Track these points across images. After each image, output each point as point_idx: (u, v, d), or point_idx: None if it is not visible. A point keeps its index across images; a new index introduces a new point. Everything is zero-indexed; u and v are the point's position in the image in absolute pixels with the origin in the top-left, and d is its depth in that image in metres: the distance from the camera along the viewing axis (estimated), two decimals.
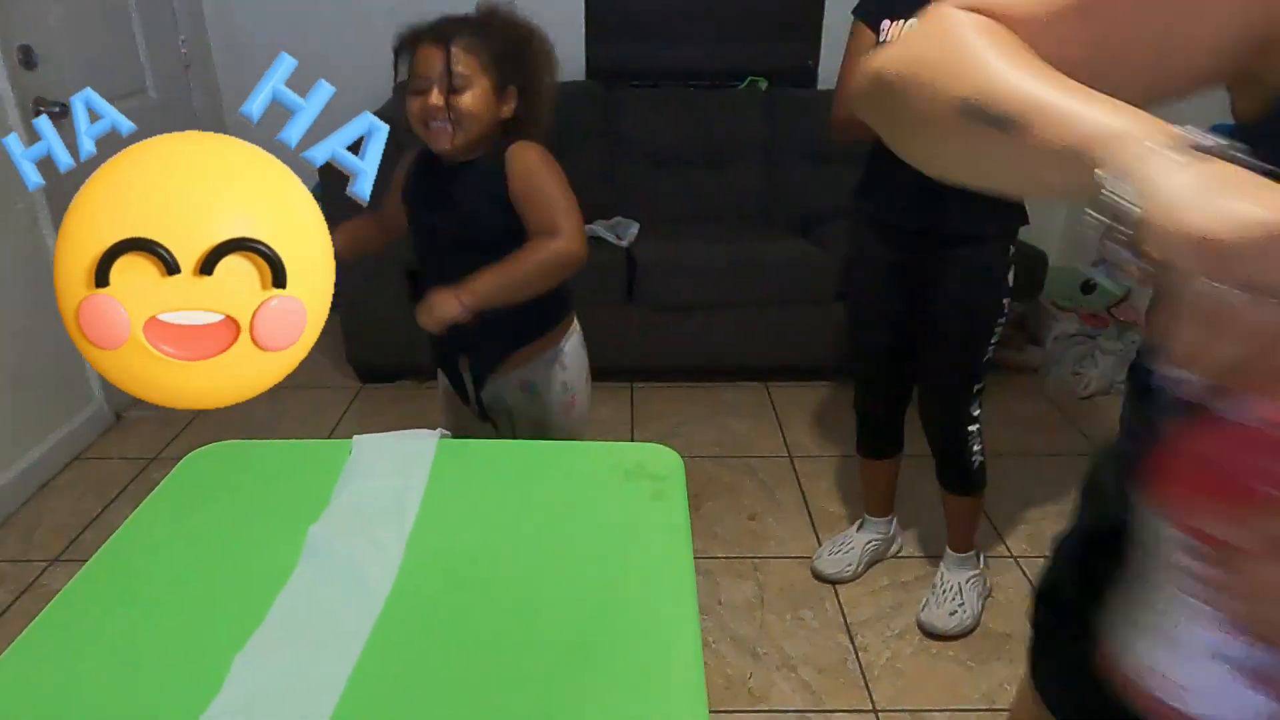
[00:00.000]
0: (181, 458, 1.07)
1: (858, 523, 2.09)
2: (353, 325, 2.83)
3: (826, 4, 3.27)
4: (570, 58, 3.33)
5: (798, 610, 1.92)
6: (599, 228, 2.96)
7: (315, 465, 1.04)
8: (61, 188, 2.14)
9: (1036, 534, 2.19)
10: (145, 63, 2.88)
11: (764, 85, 3.32)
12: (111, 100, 2.20)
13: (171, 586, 0.84)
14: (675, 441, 2.62)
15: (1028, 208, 1.79)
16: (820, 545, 2.10)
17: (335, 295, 0.56)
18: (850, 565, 2.01)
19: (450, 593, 0.82)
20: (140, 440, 2.57)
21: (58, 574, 1.99)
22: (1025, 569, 2.06)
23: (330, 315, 0.57)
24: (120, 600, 0.82)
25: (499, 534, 0.90)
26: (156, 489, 1.00)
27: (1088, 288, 3.14)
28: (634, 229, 2.98)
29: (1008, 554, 2.11)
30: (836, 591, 1.98)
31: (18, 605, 1.89)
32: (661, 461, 1.04)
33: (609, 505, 0.96)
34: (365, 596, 0.80)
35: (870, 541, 2.05)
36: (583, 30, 3.31)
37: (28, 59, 2.29)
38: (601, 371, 2.92)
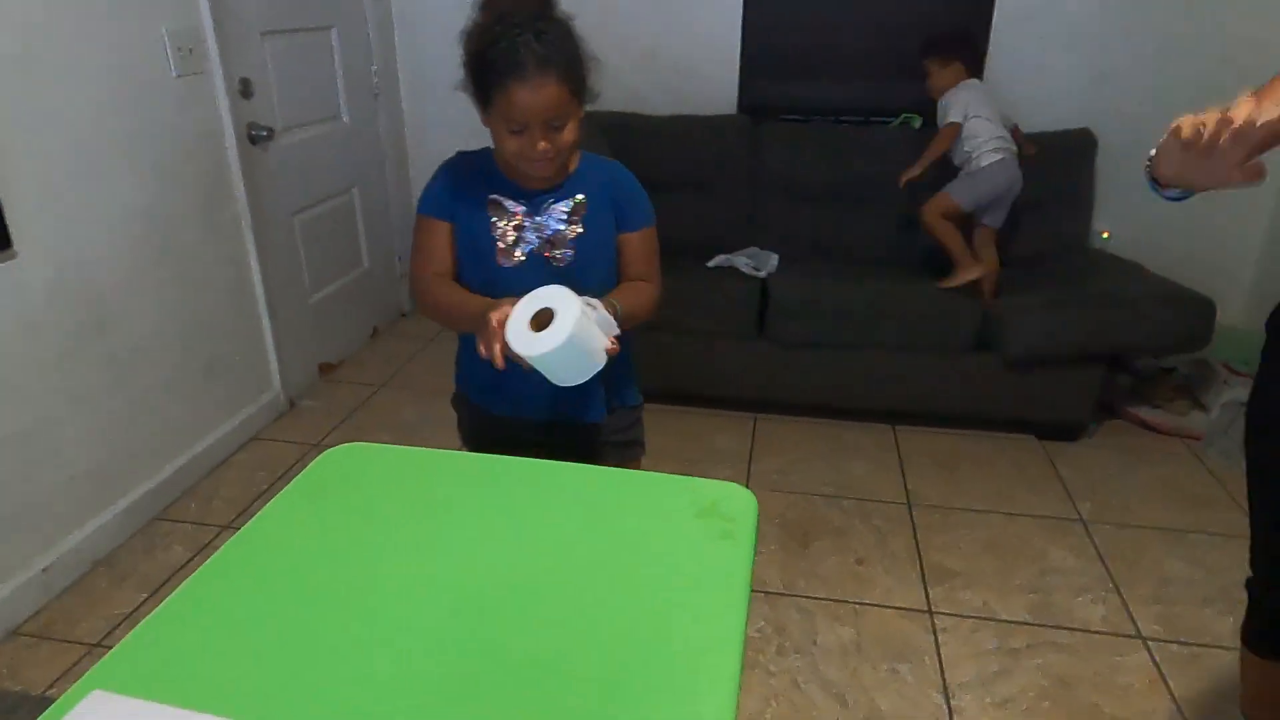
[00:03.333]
0: (341, 444, 1.22)
1: None
2: None
3: (992, 43, 3.19)
4: (723, 92, 3.42)
5: (894, 663, 1.89)
6: (736, 259, 3.02)
7: (435, 473, 1.16)
8: (261, 206, 2.50)
9: (1170, 616, 2.03)
10: (341, 91, 3.23)
11: (917, 124, 3.27)
12: (309, 124, 2.59)
13: (289, 575, 0.97)
14: (790, 478, 2.66)
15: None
16: (929, 599, 2.05)
17: None
18: None
19: (504, 605, 0.90)
20: (307, 427, 2.88)
21: (228, 540, 2.27)
22: (1154, 653, 1.91)
23: None
24: (240, 584, 0.96)
25: (562, 553, 0.98)
26: (291, 482, 1.15)
27: None
28: (774, 260, 3.01)
29: (1135, 634, 1.97)
30: (939, 649, 1.93)
31: (193, 563, 2.18)
32: (736, 502, 1.08)
33: (675, 539, 1.01)
34: (426, 599, 0.91)
35: None
36: (737, 65, 3.39)
37: (246, 90, 2.64)
38: (724, 401, 3.00)
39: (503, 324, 1.14)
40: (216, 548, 0.97)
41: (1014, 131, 2.88)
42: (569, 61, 1.22)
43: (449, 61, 4.16)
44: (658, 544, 1.00)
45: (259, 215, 2.73)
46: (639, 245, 1.43)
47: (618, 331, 1.21)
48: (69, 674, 1.83)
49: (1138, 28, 3.08)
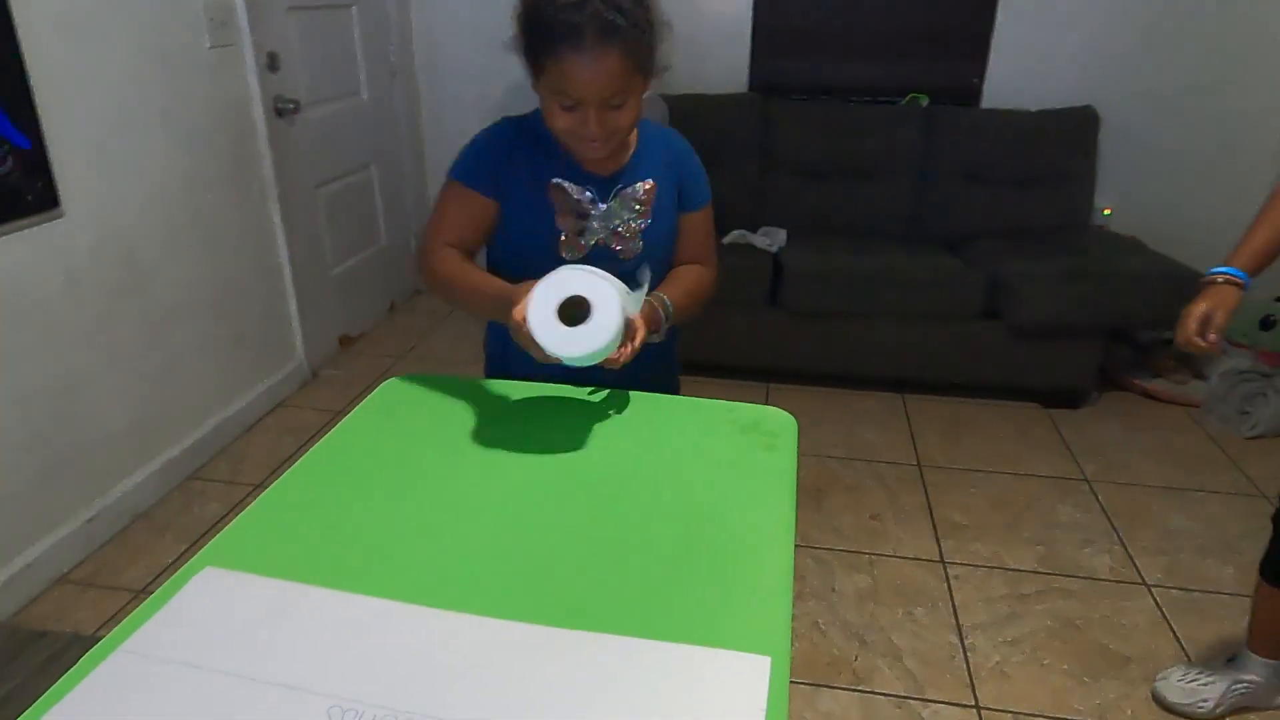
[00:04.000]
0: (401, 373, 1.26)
1: (1229, 656, 1.71)
2: None
3: (997, 23, 3.26)
4: (734, 71, 3.49)
5: (909, 607, 1.97)
6: (749, 235, 3.09)
7: (495, 399, 1.22)
8: (287, 177, 2.58)
9: (1174, 565, 2.11)
10: (361, 68, 3.29)
11: (925, 102, 3.35)
12: (331, 100, 2.65)
13: (373, 472, 1.04)
14: (803, 440, 2.71)
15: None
16: (941, 550, 2.13)
17: None
18: (1208, 702, 1.64)
19: (575, 495, 0.99)
20: (331, 394, 2.95)
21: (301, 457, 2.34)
22: (1157, 598, 2.00)
23: None
24: (330, 480, 1.03)
25: (627, 467, 1.06)
26: (359, 405, 1.22)
27: (1267, 324, 2.95)
28: (783, 235, 3.09)
29: (1139, 581, 2.06)
30: (952, 594, 2.01)
31: (229, 517, 2.25)
32: (776, 420, 1.16)
33: (722, 449, 1.09)
34: (501, 492, 0.99)
35: (1241, 683, 1.65)
36: (748, 44, 3.46)
37: (273, 63, 2.71)
38: (737, 370, 3.07)
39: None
40: (249, 505, 1.01)
41: None
42: (637, 29, 1.06)
43: (464, 43, 4.19)
44: (708, 454, 1.08)
45: (284, 186, 2.79)
46: (698, 225, 1.34)
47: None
48: (117, 616, 1.91)
49: (1141, 6, 3.15)
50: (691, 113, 3.27)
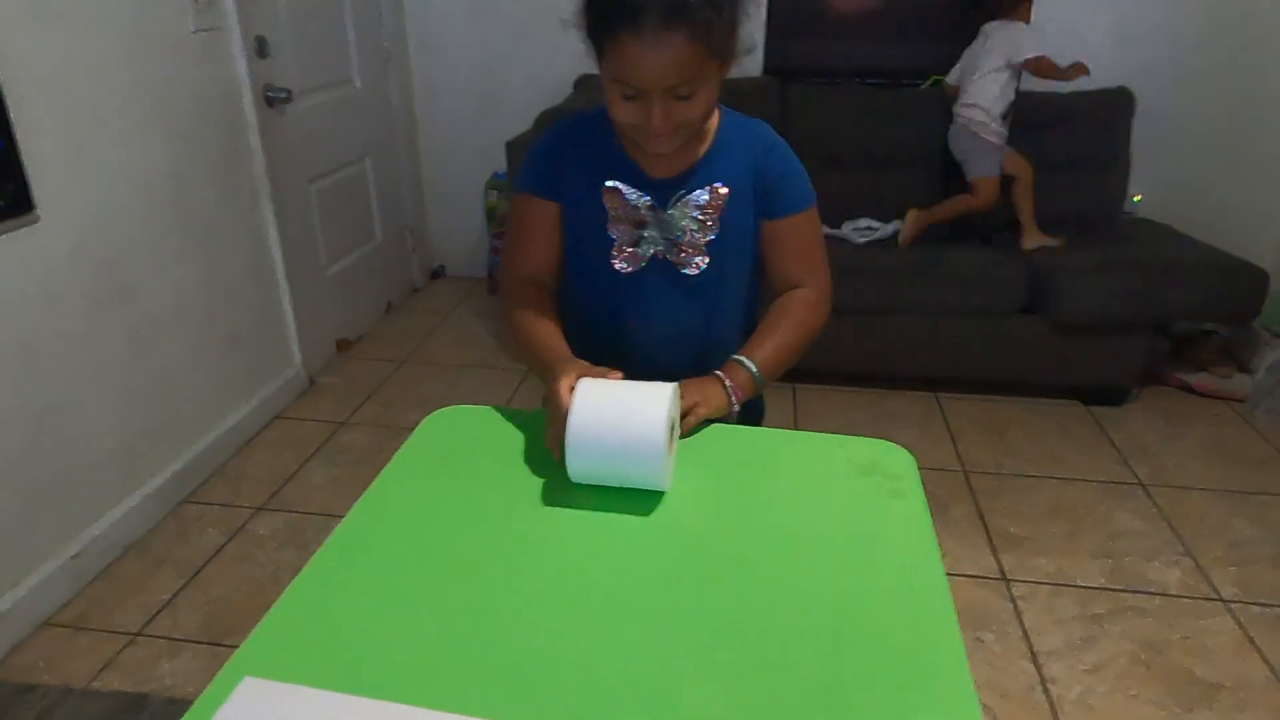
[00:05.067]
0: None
1: None
2: None
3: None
4: (749, 55, 3.31)
5: (978, 631, 1.83)
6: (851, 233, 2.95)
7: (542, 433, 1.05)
8: (279, 172, 2.35)
9: (1249, 578, 1.99)
10: (353, 55, 3.08)
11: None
12: (322, 89, 2.43)
13: (424, 543, 0.87)
14: None
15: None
16: (1001, 566, 2.00)
17: None
18: None
19: (688, 573, 0.81)
20: (331, 403, 2.76)
21: (261, 521, 2.16)
22: (1237, 615, 1.87)
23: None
24: (373, 555, 0.85)
25: (734, 516, 0.89)
26: (401, 448, 1.05)
27: None
28: (888, 228, 2.96)
29: (1215, 596, 1.93)
30: (1020, 617, 1.87)
31: (230, 546, 2.06)
32: (895, 460, 1.01)
33: (845, 499, 0.93)
34: (593, 574, 0.82)
35: None
36: (763, 27, 3.29)
37: (262, 49, 2.50)
38: None
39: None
40: (252, 530, 0.86)
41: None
42: (711, 7, 0.91)
43: (458, 25, 3.98)
44: (830, 504, 0.92)
45: (276, 181, 2.59)
46: (793, 235, 1.13)
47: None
48: (113, 664, 1.72)
49: None
50: None
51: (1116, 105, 3.02)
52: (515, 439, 1.04)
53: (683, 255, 1.12)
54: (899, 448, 1.03)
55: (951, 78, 3.00)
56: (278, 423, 2.66)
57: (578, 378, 0.93)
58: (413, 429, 1.08)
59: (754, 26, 3.28)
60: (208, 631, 1.80)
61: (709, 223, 1.10)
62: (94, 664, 1.73)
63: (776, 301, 1.16)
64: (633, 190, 1.10)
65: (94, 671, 1.71)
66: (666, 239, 1.11)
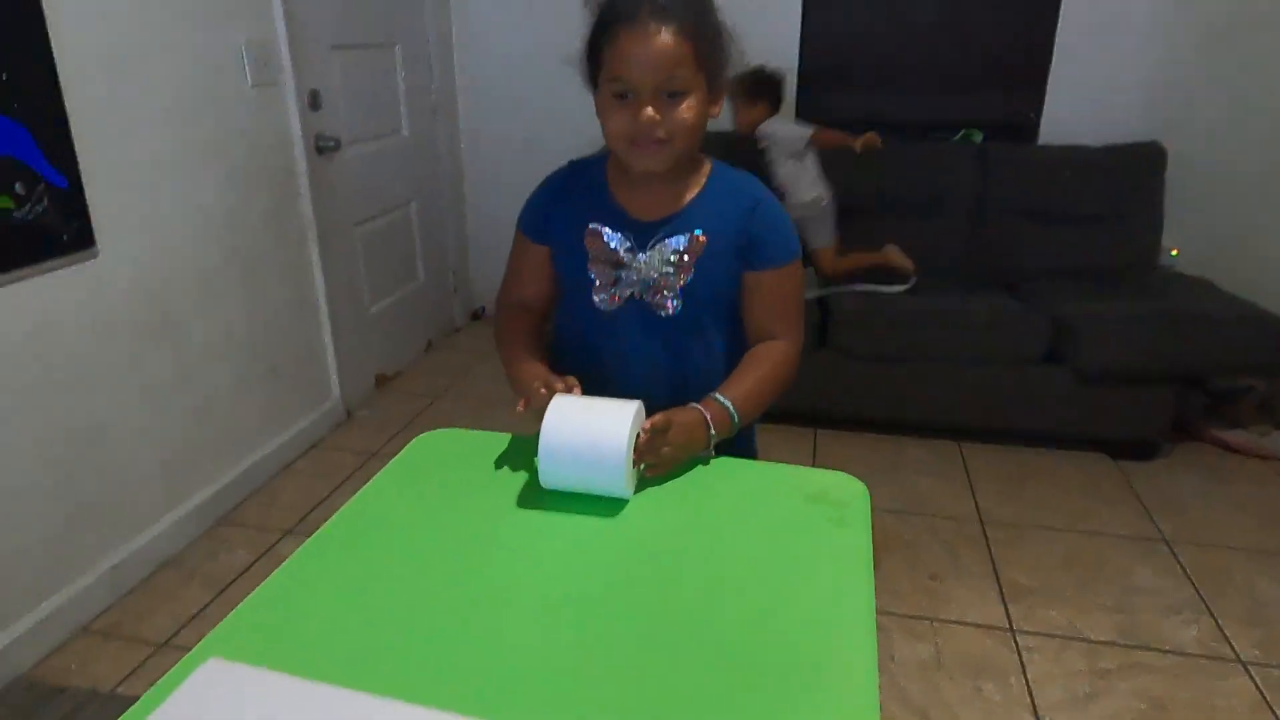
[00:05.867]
0: (397, 455, 1.19)
1: None
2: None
3: (1055, 56, 3.14)
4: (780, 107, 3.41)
5: (978, 681, 1.81)
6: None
7: (530, 457, 1.10)
8: (326, 216, 2.49)
9: (1272, 640, 1.92)
10: (403, 106, 3.27)
11: (979, 138, 3.23)
12: (371, 139, 2.57)
13: (396, 548, 0.94)
14: None
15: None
16: (1009, 616, 1.97)
17: None
18: None
19: (629, 588, 0.87)
20: (365, 436, 2.88)
21: (289, 544, 2.26)
22: (1255, 677, 1.81)
23: None
24: (349, 556, 0.93)
25: (682, 538, 0.94)
26: (388, 465, 1.13)
27: None
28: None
29: (1234, 657, 1.87)
30: (1024, 668, 1.85)
31: (256, 567, 2.17)
32: (845, 489, 1.04)
33: (788, 525, 0.97)
34: (550, 578, 0.87)
35: None
36: (795, 78, 3.38)
37: (314, 101, 2.69)
38: (783, 414, 2.94)
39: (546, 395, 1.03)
40: (278, 552, 0.95)
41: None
42: (697, 19, 1.02)
43: (505, 79, 4.17)
44: (771, 530, 0.96)
45: (323, 224, 2.76)
46: (772, 289, 1.17)
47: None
48: (137, 672, 1.82)
49: (1208, 38, 3.02)
50: (735, 150, 3.20)
51: (1147, 159, 3.01)
52: (496, 460, 1.12)
53: (658, 297, 1.17)
54: (852, 479, 1.07)
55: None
56: (314, 451, 2.79)
57: (544, 386, 1.04)
58: None
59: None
60: None
61: (684, 267, 1.15)
62: (121, 669, 1.84)
63: (751, 350, 1.20)
64: (613, 233, 1.16)
65: (120, 677, 1.82)
66: (642, 280, 1.16)
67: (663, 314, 1.18)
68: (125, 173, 1.99)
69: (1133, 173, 3.01)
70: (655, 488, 1.03)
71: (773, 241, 1.16)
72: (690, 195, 1.16)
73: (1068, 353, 2.63)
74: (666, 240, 1.15)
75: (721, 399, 1.11)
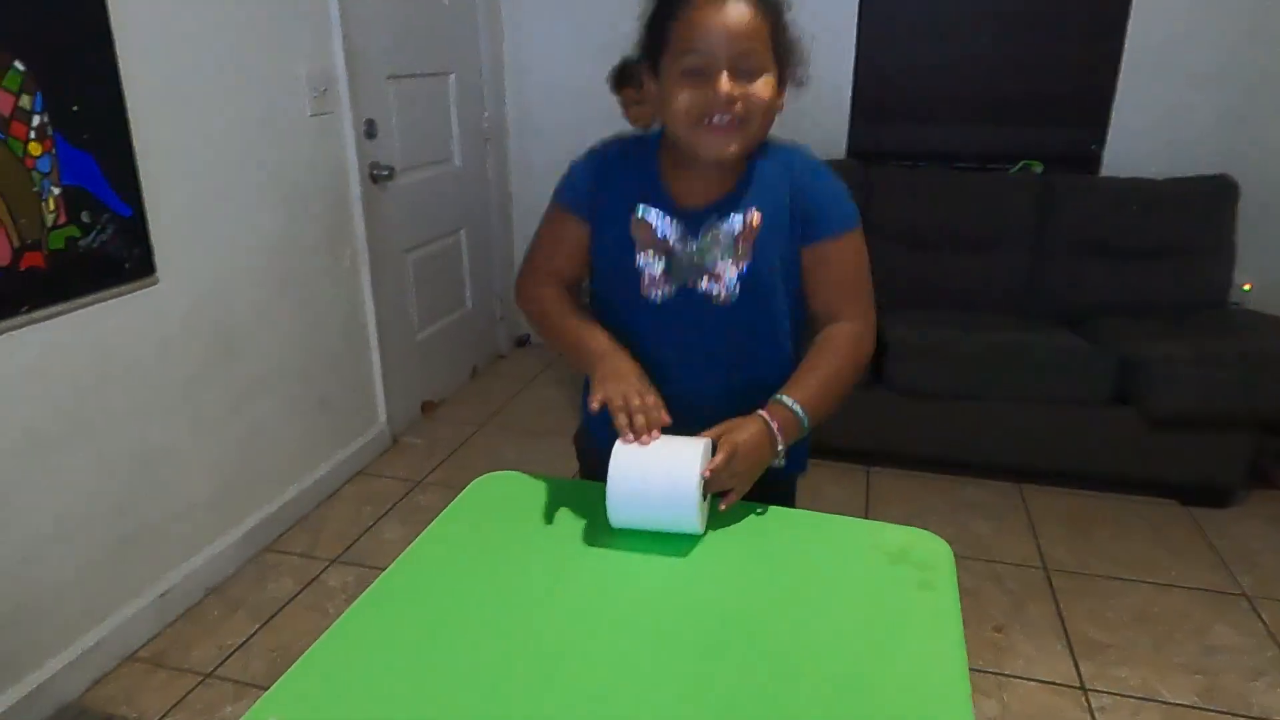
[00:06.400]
0: (443, 483, 1.16)
1: None
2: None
3: (1119, 85, 3.06)
4: (832, 136, 3.37)
5: None
6: None
7: (590, 504, 1.05)
8: (378, 243, 2.48)
9: None
10: (455, 136, 3.30)
11: (1038, 169, 3.15)
12: (424, 166, 2.58)
13: (455, 604, 0.90)
14: None
15: None
16: (1080, 674, 1.87)
17: None
18: None
19: (705, 649, 0.82)
20: (411, 463, 2.87)
21: (334, 573, 2.24)
22: None
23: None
24: (407, 613, 0.89)
25: (757, 597, 0.89)
26: (446, 509, 1.10)
27: None
28: None
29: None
30: None
31: (301, 596, 2.15)
32: (928, 548, 0.98)
33: (871, 586, 0.91)
34: (621, 638, 0.83)
35: None
36: (848, 109, 3.34)
37: (370, 130, 2.71)
38: (836, 451, 2.86)
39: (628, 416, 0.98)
40: (324, 581, 0.91)
41: None
42: (773, 4, 1.01)
43: (555, 106, 4.16)
44: (855, 591, 0.91)
45: (375, 251, 2.77)
46: (834, 262, 1.10)
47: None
48: (181, 704, 1.81)
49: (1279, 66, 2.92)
50: None
51: (1218, 192, 2.90)
52: (557, 506, 1.08)
53: (713, 284, 1.09)
54: (934, 537, 1.01)
55: None
56: (360, 477, 2.78)
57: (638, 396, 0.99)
58: None
59: (838, 109, 3.34)
60: (271, 678, 1.86)
61: (741, 252, 1.08)
62: (166, 701, 1.82)
63: (818, 337, 1.12)
64: (663, 219, 1.09)
65: (165, 708, 1.80)
66: (696, 267, 1.09)
67: (718, 304, 1.09)
68: (186, 201, 2.01)
69: (1203, 206, 2.91)
70: (729, 538, 0.99)
71: (830, 209, 1.10)
72: (737, 176, 1.09)
73: (1136, 394, 2.52)
74: (719, 224, 1.08)
75: (788, 401, 1.04)
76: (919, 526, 1.01)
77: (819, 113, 3.35)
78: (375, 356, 2.86)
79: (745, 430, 1.00)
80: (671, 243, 1.09)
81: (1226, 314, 2.88)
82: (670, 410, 0.99)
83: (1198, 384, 2.44)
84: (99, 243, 1.78)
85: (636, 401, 0.97)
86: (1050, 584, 2.24)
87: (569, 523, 1.04)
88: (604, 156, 1.15)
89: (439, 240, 3.26)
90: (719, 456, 0.97)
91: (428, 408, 3.28)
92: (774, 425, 1.02)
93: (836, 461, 2.84)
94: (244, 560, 2.30)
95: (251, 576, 2.25)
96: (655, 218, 1.09)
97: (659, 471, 0.93)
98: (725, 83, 0.97)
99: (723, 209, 1.08)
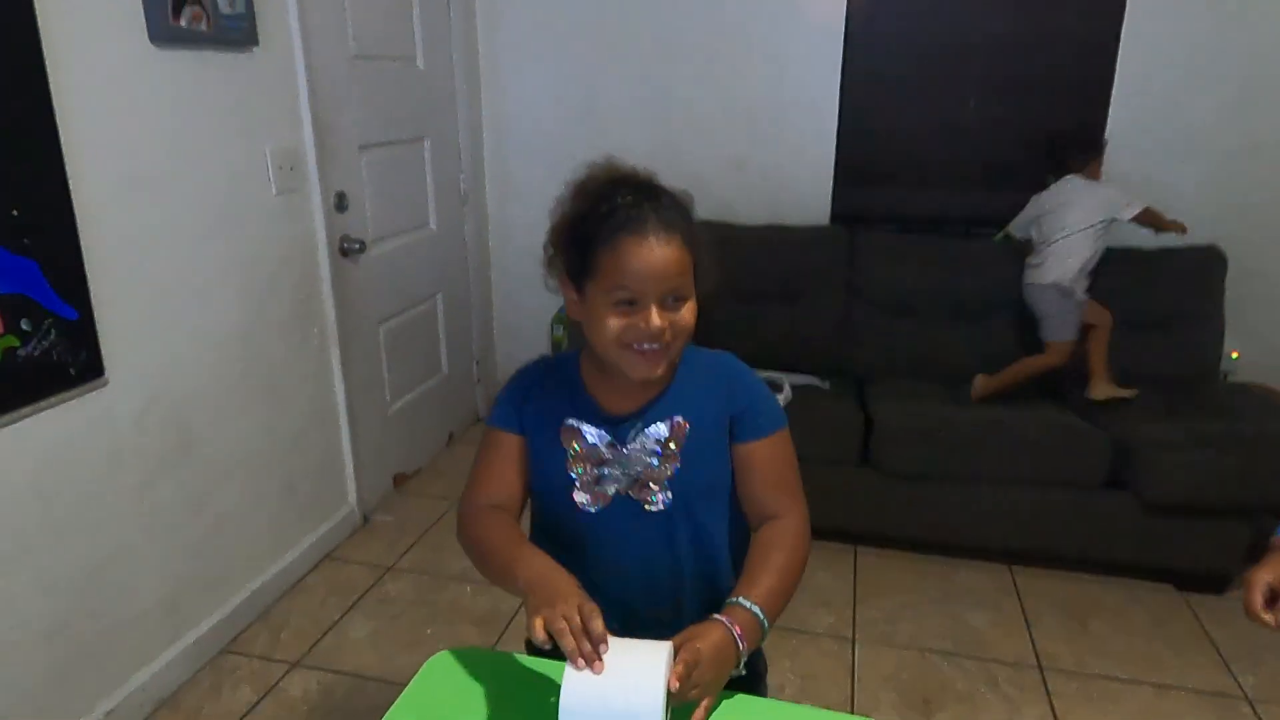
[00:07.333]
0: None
1: None
2: None
3: (1106, 151, 3.02)
4: (815, 201, 3.31)
5: None
6: (805, 378, 2.91)
7: (549, 687, 0.98)
8: (348, 318, 2.38)
9: None
10: (431, 201, 3.21)
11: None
12: (398, 234, 2.48)
13: None
14: (902, 628, 2.41)
15: None
16: None
17: None
18: None
19: None
20: (381, 546, 2.75)
21: (295, 680, 2.12)
22: None
23: None
24: None
25: None
26: (400, 696, 1.00)
27: None
28: (816, 382, 2.95)
29: None
30: None
31: (262, 706, 2.03)
32: None
33: None
34: None
35: None
36: (831, 174, 3.29)
37: (341, 203, 2.62)
38: (823, 533, 2.77)
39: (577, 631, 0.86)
40: (284, 689, 0.80)
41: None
42: (692, 234, 1.03)
43: (534, 163, 4.10)
44: None
45: (345, 327, 2.67)
46: (767, 458, 1.12)
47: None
48: None
49: (1266, 137, 2.89)
50: (773, 245, 3.09)
51: (1208, 262, 2.87)
52: (515, 693, 0.98)
53: (644, 491, 1.10)
54: None
55: (1019, 230, 2.93)
56: (327, 563, 2.66)
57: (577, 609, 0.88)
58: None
59: (822, 173, 3.29)
60: None
61: (670, 457, 1.09)
62: None
63: (759, 535, 1.11)
64: (592, 429, 1.11)
65: None
66: (627, 475, 1.10)
67: (652, 508, 1.10)
68: (139, 297, 1.91)
69: (1193, 277, 2.87)
70: None
71: (760, 409, 1.13)
72: (665, 381, 1.11)
73: (1130, 479, 2.45)
74: (646, 431, 1.10)
75: (746, 603, 1.00)
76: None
77: (802, 177, 3.31)
78: (345, 434, 2.75)
79: (708, 637, 0.94)
80: (602, 450, 1.11)
81: (1220, 388, 2.84)
82: (609, 620, 0.89)
83: (1193, 471, 2.37)
84: (39, 350, 1.67)
85: (578, 621, 0.87)
86: (1045, 686, 2.15)
87: (531, 711, 0.94)
88: (529, 377, 1.18)
89: (414, 308, 3.17)
90: (679, 666, 0.88)
91: (400, 480, 3.16)
92: (735, 630, 0.96)
93: (823, 541, 2.75)
94: (199, 666, 2.17)
95: (207, 683, 2.12)
96: (586, 428, 1.11)
97: (618, 700, 0.83)
98: (656, 316, 0.99)
99: (648, 415, 1.11)
